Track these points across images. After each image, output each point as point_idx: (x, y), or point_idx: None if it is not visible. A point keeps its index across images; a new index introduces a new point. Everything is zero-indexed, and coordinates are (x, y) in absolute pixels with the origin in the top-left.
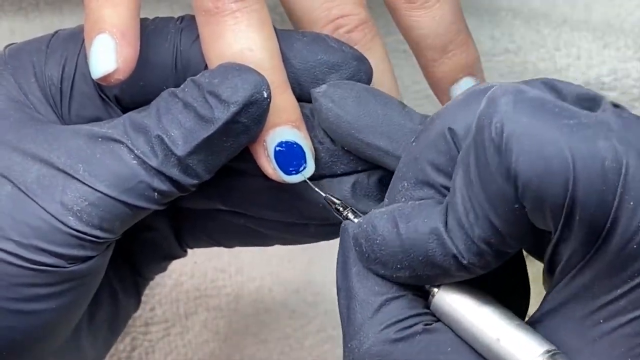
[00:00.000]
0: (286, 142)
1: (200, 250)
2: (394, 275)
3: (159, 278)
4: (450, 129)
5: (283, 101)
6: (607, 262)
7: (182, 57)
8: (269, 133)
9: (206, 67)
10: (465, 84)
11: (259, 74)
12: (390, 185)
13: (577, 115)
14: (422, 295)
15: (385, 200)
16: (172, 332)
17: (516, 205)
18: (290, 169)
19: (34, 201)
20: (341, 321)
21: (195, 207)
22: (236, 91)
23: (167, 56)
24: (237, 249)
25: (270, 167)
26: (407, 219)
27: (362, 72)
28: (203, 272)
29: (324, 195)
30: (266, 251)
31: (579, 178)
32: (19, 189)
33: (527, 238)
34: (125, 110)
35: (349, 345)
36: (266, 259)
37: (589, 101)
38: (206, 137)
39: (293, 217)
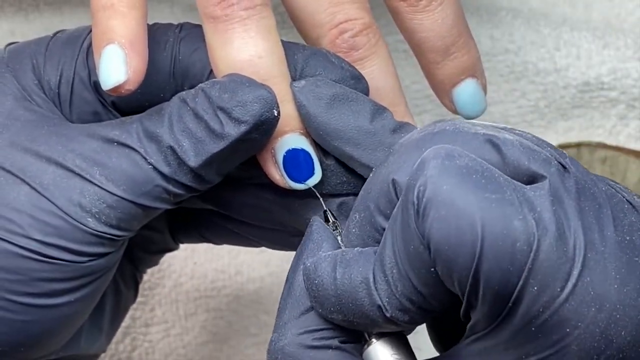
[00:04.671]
0: (294, 149)
1: (200, 252)
2: (329, 316)
3: (159, 279)
4: (393, 179)
5: (291, 109)
6: (506, 338)
7: (180, 66)
8: (278, 141)
9: (210, 74)
10: (467, 86)
11: (268, 90)
12: (351, 213)
13: (502, 189)
14: (357, 339)
15: (347, 222)
16: (172, 332)
17: (432, 269)
18: (298, 175)
19: (53, 203)
20: (278, 307)
21: (189, 207)
22: (247, 110)
23: (165, 65)
24: (237, 250)
25: (278, 174)
26: (346, 265)
27: (358, 91)
28: (203, 273)
29: (325, 208)
30: (266, 252)
31: (485, 254)
32: (36, 190)
33: (448, 300)
34: (123, 115)
35: (273, 335)
36: (266, 260)
37: (529, 175)
38: (216, 151)
39: (278, 226)
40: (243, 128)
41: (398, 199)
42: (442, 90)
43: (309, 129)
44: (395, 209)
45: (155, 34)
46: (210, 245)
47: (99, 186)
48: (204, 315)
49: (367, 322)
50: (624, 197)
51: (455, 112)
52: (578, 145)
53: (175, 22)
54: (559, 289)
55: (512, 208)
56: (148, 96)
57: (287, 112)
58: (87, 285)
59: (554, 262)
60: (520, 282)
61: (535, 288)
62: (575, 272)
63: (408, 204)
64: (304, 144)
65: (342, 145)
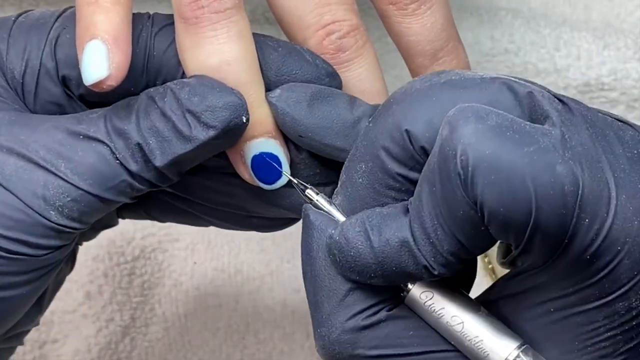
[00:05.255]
0: (263, 153)
1: (201, 251)
2: (369, 282)
3: (158, 279)
4: (407, 130)
5: (260, 114)
6: (561, 271)
7: (154, 62)
8: (246, 145)
9: (183, 73)
10: None
11: (239, 96)
12: (345, 165)
13: (535, 139)
14: (399, 298)
15: (342, 175)
16: (171, 332)
17: (482, 228)
18: (266, 178)
19: (15, 195)
20: (309, 305)
21: None
22: (216, 116)
23: (138, 60)
24: (237, 249)
25: (247, 174)
26: (378, 230)
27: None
28: (202, 273)
29: (293, 180)
30: (266, 252)
31: (541, 207)
32: None
33: (492, 244)
34: (89, 107)
35: (319, 331)
36: (266, 259)
37: (540, 111)
38: (182, 153)
39: (241, 210)
40: (211, 133)
41: (413, 147)
42: None
43: (297, 133)
44: (427, 174)
45: None
46: (210, 244)
47: (63, 179)
48: (203, 314)
49: (410, 279)
50: (612, 117)
51: None
52: None
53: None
54: (605, 214)
55: (551, 154)
56: (120, 90)
57: (256, 118)
58: (39, 279)
59: (596, 192)
60: (574, 220)
61: (587, 220)
62: (613, 194)
63: (451, 173)
64: (272, 147)
65: (332, 141)
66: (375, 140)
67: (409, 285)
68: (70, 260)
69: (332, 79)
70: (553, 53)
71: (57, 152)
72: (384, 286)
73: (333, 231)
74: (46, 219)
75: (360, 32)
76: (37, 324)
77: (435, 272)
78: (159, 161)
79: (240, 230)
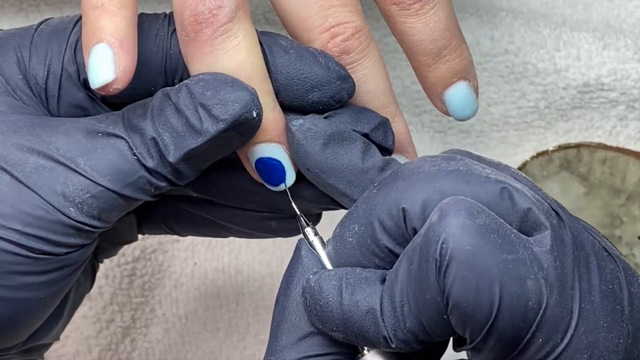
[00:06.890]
0: (265, 158)
1: (201, 252)
2: (329, 333)
3: (159, 279)
4: (403, 208)
5: (264, 121)
6: None
7: (171, 61)
8: (250, 149)
9: None
10: (458, 88)
11: (251, 92)
12: (342, 220)
13: (516, 248)
14: (353, 356)
15: (337, 229)
16: (171, 332)
17: (444, 316)
18: (269, 181)
19: (35, 192)
20: (270, 329)
21: (167, 194)
22: (226, 109)
23: (157, 60)
24: (237, 250)
25: (255, 175)
26: (352, 290)
27: (344, 92)
28: (203, 273)
29: (298, 212)
30: (266, 252)
31: (501, 314)
32: (18, 179)
33: (451, 335)
34: (113, 108)
35: (268, 358)
36: (267, 260)
37: (533, 224)
38: (194, 147)
39: (264, 208)
40: (221, 126)
41: (405, 226)
42: (434, 93)
43: (305, 166)
44: (408, 251)
45: (144, 27)
46: (211, 245)
47: (83, 176)
48: (204, 315)
49: (368, 345)
50: (600, 244)
51: (447, 114)
52: (578, 146)
53: None
54: (559, 340)
55: (525, 268)
56: (140, 90)
57: (261, 125)
58: (59, 281)
59: (558, 316)
60: (528, 336)
61: (540, 340)
62: (573, 323)
63: (429, 257)
64: (276, 153)
65: (336, 182)
66: (374, 209)
67: (365, 350)
68: (90, 277)
69: (344, 82)
70: (553, 53)
71: (77, 150)
72: (343, 341)
73: (312, 276)
74: (66, 215)
75: (365, 33)
76: (57, 338)
77: (393, 345)
78: (172, 156)
79: (260, 237)
